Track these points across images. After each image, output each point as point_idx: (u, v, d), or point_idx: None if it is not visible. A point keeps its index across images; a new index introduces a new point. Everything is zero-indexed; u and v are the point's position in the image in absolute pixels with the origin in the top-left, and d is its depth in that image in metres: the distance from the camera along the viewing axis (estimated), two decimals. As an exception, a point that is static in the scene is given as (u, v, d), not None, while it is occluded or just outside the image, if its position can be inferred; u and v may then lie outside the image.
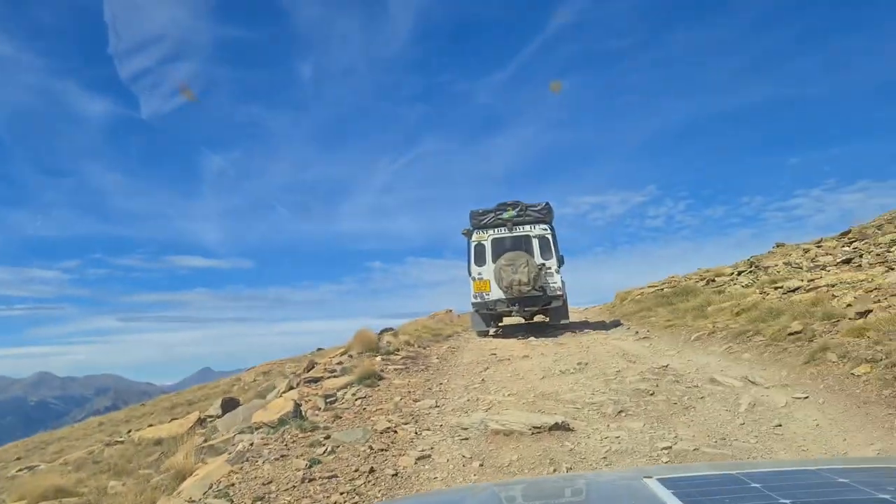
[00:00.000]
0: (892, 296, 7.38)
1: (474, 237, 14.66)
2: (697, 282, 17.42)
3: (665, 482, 1.44)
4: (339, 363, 10.42)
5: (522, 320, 16.12)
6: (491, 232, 14.60)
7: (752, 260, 18.64)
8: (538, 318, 16.24)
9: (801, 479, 1.51)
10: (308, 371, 10.64)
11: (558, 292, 14.28)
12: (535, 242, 14.44)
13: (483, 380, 8.53)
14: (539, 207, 14.59)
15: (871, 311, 6.86)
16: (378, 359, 10.28)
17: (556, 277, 14.29)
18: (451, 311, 21.91)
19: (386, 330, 14.18)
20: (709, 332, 10.17)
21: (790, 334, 7.46)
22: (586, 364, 8.90)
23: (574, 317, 17.35)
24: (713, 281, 16.59)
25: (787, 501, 1.22)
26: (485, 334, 14.72)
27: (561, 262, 14.53)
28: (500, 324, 15.61)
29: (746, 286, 14.16)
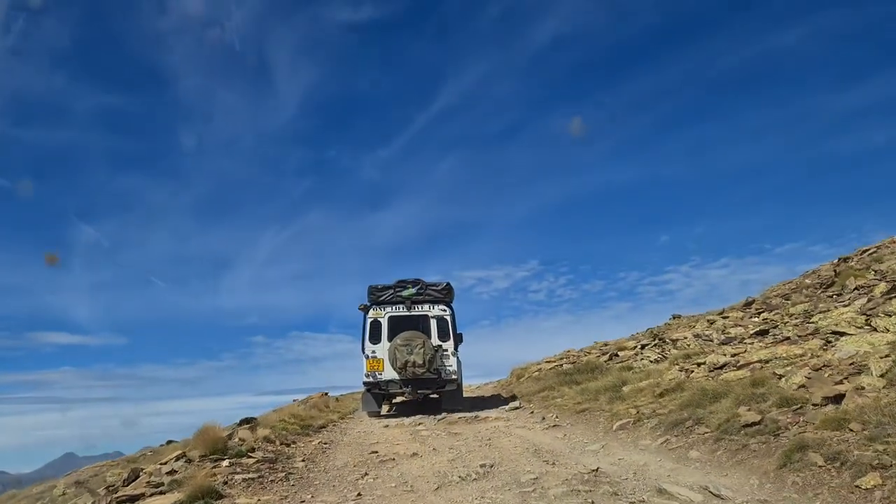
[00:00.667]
0: (853, 374, 6.12)
1: (371, 313, 13.68)
2: (599, 356, 16.24)
3: None
4: (171, 472, 7.82)
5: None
6: (389, 309, 13.67)
7: (654, 331, 17.91)
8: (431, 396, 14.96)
9: None
10: (127, 483, 7.96)
11: (453, 376, 13.33)
12: (434, 323, 13.56)
13: (359, 493, 6.31)
14: (440, 287, 13.80)
15: (843, 395, 5.50)
16: (224, 464, 7.81)
17: (453, 360, 13.34)
18: (325, 394, 20.17)
19: (245, 421, 11.60)
20: (633, 420, 8.56)
21: (746, 426, 5.93)
22: (492, 466, 6.97)
23: (467, 393, 16.53)
24: (616, 355, 15.57)
25: None
26: (376, 415, 13.70)
27: (459, 341, 13.76)
28: (393, 401, 14.75)
29: (656, 361, 13.31)
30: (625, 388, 10.79)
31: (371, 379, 13.23)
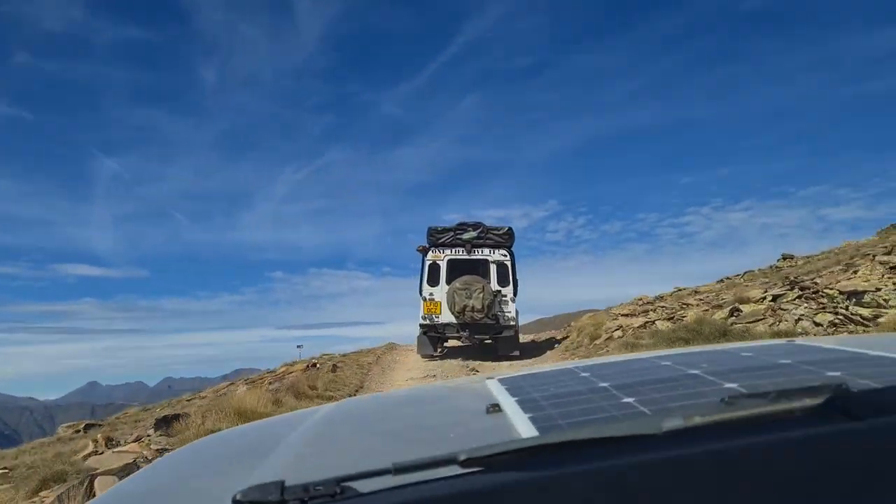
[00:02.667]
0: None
1: (429, 255, 13.87)
2: (707, 310, 11.29)
3: (502, 380, 1.65)
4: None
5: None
6: (448, 252, 13.82)
7: (785, 276, 12.60)
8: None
9: (625, 366, 1.70)
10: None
11: (511, 322, 13.50)
12: (493, 268, 13.69)
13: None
14: (501, 232, 13.87)
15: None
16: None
17: (511, 306, 13.52)
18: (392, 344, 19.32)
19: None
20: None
21: None
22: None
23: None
24: (738, 310, 10.43)
25: (606, 384, 1.44)
26: (430, 357, 13.95)
27: (516, 289, 13.92)
28: (444, 345, 14.79)
29: (815, 320, 8.70)
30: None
31: (428, 321, 13.47)
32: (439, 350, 14.23)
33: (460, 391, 1.76)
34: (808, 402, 0.90)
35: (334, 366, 13.30)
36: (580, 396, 1.38)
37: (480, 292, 12.98)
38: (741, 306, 10.63)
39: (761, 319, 9.55)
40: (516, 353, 13.60)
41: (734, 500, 0.82)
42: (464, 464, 0.89)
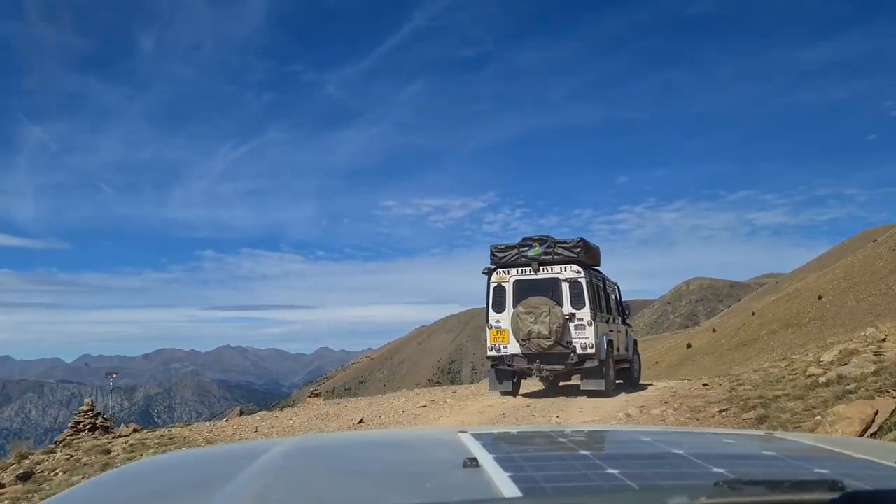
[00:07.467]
0: None
1: (494, 278, 12.20)
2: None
3: (476, 436, 1.62)
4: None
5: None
6: (513, 272, 12.04)
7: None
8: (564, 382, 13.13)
9: (602, 437, 1.81)
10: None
11: (590, 350, 11.15)
12: (566, 287, 11.60)
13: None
14: (571, 245, 11.85)
15: None
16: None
17: (589, 331, 11.26)
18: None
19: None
20: None
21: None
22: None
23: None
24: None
25: (586, 452, 1.47)
26: (505, 394, 12.16)
27: (625, 314, 13.05)
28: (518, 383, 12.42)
29: None
30: None
31: (495, 352, 11.81)
32: (514, 387, 12.16)
33: (432, 440, 1.82)
34: (821, 496, 0.88)
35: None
36: (561, 462, 1.42)
37: (547, 315, 11.09)
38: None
39: None
40: (602, 388, 11.23)
41: None
42: None
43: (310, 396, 20.18)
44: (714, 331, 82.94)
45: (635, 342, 14.32)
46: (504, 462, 1.29)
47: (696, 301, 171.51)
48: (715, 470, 1.24)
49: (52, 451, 11.94)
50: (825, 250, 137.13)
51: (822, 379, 8.79)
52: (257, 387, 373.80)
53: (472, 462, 1.28)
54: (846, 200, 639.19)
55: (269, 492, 1.22)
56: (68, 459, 10.24)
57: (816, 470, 1.32)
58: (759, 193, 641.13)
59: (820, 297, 63.17)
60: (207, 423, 13.15)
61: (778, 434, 1.87)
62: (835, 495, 0.87)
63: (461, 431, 1.68)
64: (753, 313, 77.55)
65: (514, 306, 11.59)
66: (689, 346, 76.86)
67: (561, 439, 1.64)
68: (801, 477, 1.05)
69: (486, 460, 1.31)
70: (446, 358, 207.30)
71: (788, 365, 11.77)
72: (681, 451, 1.42)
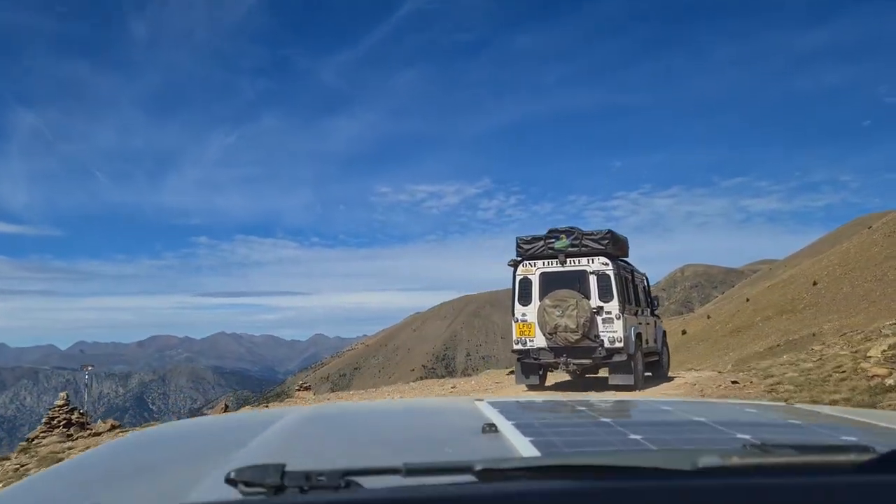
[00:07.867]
0: None
1: (520, 270, 12.07)
2: None
3: (494, 404, 1.66)
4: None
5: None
6: (540, 264, 11.91)
7: None
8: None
9: (623, 406, 1.90)
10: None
11: (619, 344, 11.08)
12: (593, 280, 11.45)
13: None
14: (598, 236, 11.65)
15: None
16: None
17: (618, 324, 11.17)
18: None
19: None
20: None
21: None
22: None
23: None
24: None
25: (607, 419, 1.49)
26: (532, 387, 12.06)
27: (654, 305, 13.14)
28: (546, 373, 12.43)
29: None
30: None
31: (521, 346, 11.70)
32: (540, 379, 12.10)
33: (449, 409, 1.81)
34: (854, 457, 0.86)
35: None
36: (582, 428, 1.42)
37: (574, 308, 10.97)
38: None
39: None
40: (630, 382, 11.14)
41: None
42: (480, 474, 0.85)
43: (299, 390, 20.01)
44: (709, 317, 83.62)
45: (664, 333, 14.25)
46: (523, 428, 1.30)
47: (691, 287, 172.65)
48: (739, 436, 1.25)
49: (6, 458, 11.36)
50: (819, 237, 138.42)
51: (890, 381, 8.06)
52: (252, 373, 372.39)
53: (491, 427, 1.29)
54: (840, 187, 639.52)
55: (288, 454, 1.21)
56: (16, 470, 9.82)
57: (843, 437, 1.33)
58: (753, 180, 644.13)
59: (815, 284, 63.73)
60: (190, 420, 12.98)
61: (798, 405, 1.93)
62: (865, 457, 0.86)
63: (478, 400, 1.73)
64: (748, 300, 78.17)
65: (541, 299, 11.50)
66: (683, 332, 77.49)
67: (580, 408, 1.67)
68: (830, 442, 1.06)
69: (505, 426, 1.33)
70: (441, 345, 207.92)
71: (820, 358, 11.70)
72: (703, 419, 1.44)
